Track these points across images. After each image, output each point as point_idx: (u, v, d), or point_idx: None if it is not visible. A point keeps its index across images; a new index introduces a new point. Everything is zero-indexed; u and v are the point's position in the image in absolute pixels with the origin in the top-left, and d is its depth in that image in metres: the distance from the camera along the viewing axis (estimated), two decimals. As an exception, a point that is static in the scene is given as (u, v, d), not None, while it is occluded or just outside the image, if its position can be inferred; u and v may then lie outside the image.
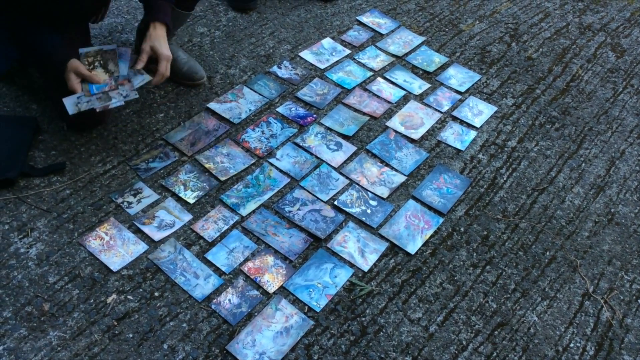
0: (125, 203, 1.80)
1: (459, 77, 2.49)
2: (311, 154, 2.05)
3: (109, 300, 1.57)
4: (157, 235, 1.73)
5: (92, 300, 1.56)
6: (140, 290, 1.60)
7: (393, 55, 2.55)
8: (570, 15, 3.01)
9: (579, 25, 2.94)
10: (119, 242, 1.70)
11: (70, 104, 1.74)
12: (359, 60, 2.50)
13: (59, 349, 1.45)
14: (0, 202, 1.75)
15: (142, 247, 1.70)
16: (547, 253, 1.86)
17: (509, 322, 1.67)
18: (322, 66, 2.43)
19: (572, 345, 1.64)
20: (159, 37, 1.81)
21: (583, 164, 2.18)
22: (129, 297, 1.59)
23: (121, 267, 1.64)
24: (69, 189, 1.82)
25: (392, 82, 2.41)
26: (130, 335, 1.51)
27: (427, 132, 2.20)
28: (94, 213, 1.76)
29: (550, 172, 2.13)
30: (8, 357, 1.42)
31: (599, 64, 2.69)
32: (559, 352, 1.62)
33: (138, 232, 1.74)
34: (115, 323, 1.53)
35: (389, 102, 2.31)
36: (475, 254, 1.83)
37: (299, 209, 1.86)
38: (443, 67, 2.53)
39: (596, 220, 1.99)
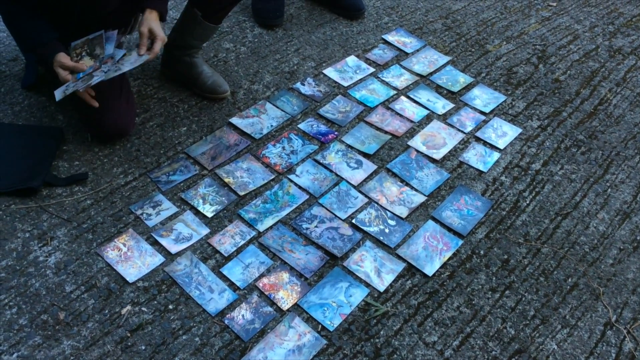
0: (145, 215, 1.81)
1: (483, 97, 2.47)
2: (331, 171, 2.04)
3: (124, 311, 1.58)
4: (174, 248, 1.74)
5: (106, 311, 1.57)
6: (155, 302, 1.61)
7: (417, 75, 2.54)
8: (600, 37, 2.97)
9: (609, 48, 2.90)
10: (136, 254, 1.71)
11: (58, 93, 1.76)
12: (383, 78, 2.49)
13: (72, 358, 1.46)
14: (23, 210, 1.77)
15: (158, 259, 1.70)
16: (569, 280, 1.82)
17: (527, 350, 1.63)
18: (345, 84, 2.43)
19: (592, 376, 1.59)
20: (155, 20, 1.87)
21: (609, 189, 2.14)
22: (143, 308, 1.59)
23: (137, 278, 1.65)
24: (90, 199, 1.84)
25: (415, 101, 2.39)
26: (143, 347, 1.51)
27: (449, 152, 2.18)
28: (113, 224, 1.78)
29: (575, 197, 2.09)
30: (21, 364, 1.43)
31: (628, 88, 2.64)
32: (578, 382, 1.57)
33: (155, 244, 1.74)
34: (129, 334, 1.53)
35: (411, 121, 2.29)
36: (494, 278, 1.79)
37: (316, 226, 1.85)
38: (468, 87, 2.51)
39: (621, 247, 1.94)
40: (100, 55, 1.84)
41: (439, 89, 2.48)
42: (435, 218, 1.94)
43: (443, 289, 1.75)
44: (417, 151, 2.16)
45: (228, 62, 2.46)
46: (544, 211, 2.02)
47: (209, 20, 2.11)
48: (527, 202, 2.04)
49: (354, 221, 1.89)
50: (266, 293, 1.66)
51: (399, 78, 2.51)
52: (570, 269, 1.85)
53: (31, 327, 1.51)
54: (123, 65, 1.84)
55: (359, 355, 1.56)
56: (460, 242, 1.88)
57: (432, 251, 1.83)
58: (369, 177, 2.05)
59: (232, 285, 1.67)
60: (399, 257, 1.81)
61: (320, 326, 1.61)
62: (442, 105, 2.40)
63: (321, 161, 2.07)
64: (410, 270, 1.78)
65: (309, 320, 1.62)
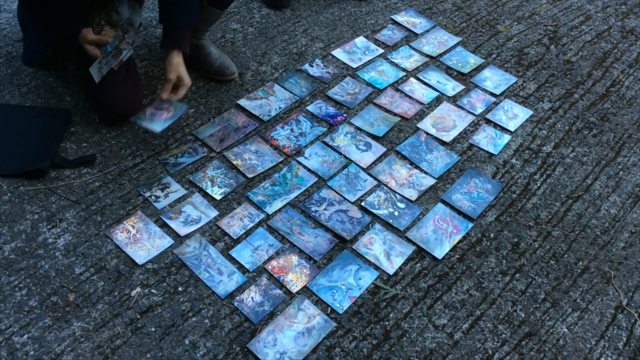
0: (153, 197, 1.81)
1: (494, 79, 2.44)
2: (340, 153, 2.03)
3: (133, 293, 1.58)
4: (183, 230, 1.73)
5: (116, 293, 1.57)
6: (165, 284, 1.61)
7: (427, 56, 2.51)
8: (613, 18, 2.92)
9: (622, 29, 2.85)
10: (145, 236, 1.70)
11: (95, 72, 1.84)
12: (392, 59, 2.46)
13: (82, 339, 1.47)
14: (31, 192, 1.77)
15: (167, 241, 1.70)
16: (580, 263, 1.81)
17: (537, 333, 1.62)
18: (354, 65, 2.40)
19: (602, 359, 1.58)
20: (181, 65, 1.88)
21: (621, 172, 2.11)
22: (152, 290, 1.59)
23: (146, 260, 1.65)
24: (98, 181, 1.83)
25: (425, 83, 2.37)
26: (153, 329, 1.51)
27: (459, 134, 2.16)
28: (121, 206, 1.78)
29: (586, 180, 2.07)
30: (32, 345, 1.44)
31: (641, 69, 2.60)
32: (588, 366, 1.57)
33: (164, 226, 1.74)
34: (139, 316, 1.53)
35: (421, 103, 2.27)
36: (504, 261, 1.78)
37: (325, 209, 1.84)
38: (478, 69, 2.48)
39: (633, 230, 1.92)
40: (118, 23, 1.86)
41: (448, 71, 2.45)
42: (445, 201, 1.92)
43: (453, 272, 1.74)
44: (427, 133, 2.14)
45: (235, 43, 2.44)
46: (555, 194, 2.00)
47: (215, 6, 2.09)
48: (538, 184, 2.02)
49: (363, 204, 1.88)
50: (275, 276, 1.66)
51: (408, 59, 2.48)
52: (581, 252, 1.84)
53: (41, 309, 1.51)
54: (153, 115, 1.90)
55: (369, 337, 1.56)
56: (470, 225, 1.86)
57: (441, 234, 1.82)
58: (378, 160, 2.03)
59: (241, 267, 1.67)
60: (409, 240, 1.80)
61: (329, 309, 1.61)
62: (452, 86, 2.37)
63: (330, 143, 2.05)
64: (420, 253, 1.77)
65: (319, 302, 1.62)
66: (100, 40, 1.81)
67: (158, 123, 1.86)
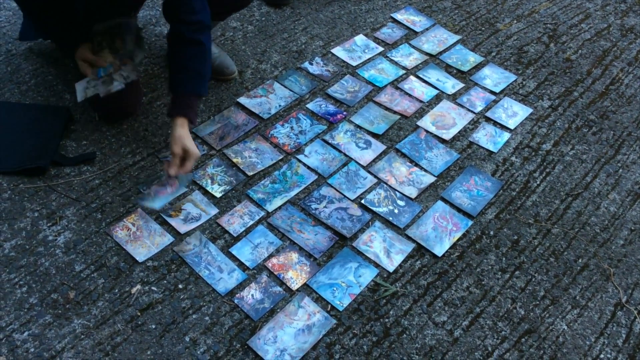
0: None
1: (494, 77, 2.44)
2: (340, 151, 2.03)
3: (133, 290, 1.58)
4: (183, 228, 1.73)
5: (116, 290, 1.57)
6: (165, 281, 1.61)
7: (427, 54, 2.51)
8: (612, 16, 2.92)
9: (621, 27, 2.85)
10: (146, 233, 1.71)
11: (80, 90, 1.79)
12: (392, 58, 2.46)
13: (82, 337, 1.47)
14: (31, 189, 1.77)
15: (168, 239, 1.70)
16: (580, 260, 1.81)
17: (537, 330, 1.62)
18: (354, 63, 2.40)
19: (602, 356, 1.58)
20: (187, 135, 1.74)
21: (620, 170, 2.11)
22: (153, 288, 1.59)
23: (146, 258, 1.65)
24: (98, 179, 1.83)
25: (424, 81, 2.37)
26: (153, 326, 1.51)
27: (458, 132, 2.16)
28: (122, 203, 1.78)
29: (586, 177, 2.07)
30: (32, 342, 1.44)
31: (640, 67, 2.61)
32: (588, 363, 1.57)
33: (164, 224, 1.74)
34: (139, 313, 1.53)
35: (420, 101, 2.27)
36: (504, 259, 1.78)
37: (325, 207, 1.84)
38: (478, 67, 2.48)
39: (632, 228, 1.92)
40: (119, 50, 1.82)
41: (448, 69, 2.45)
42: (445, 199, 1.92)
43: (452, 269, 1.74)
44: (427, 131, 2.15)
45: (235, 41, 2.44)
46: (555, 192, 2.00)
47: (214, 18, 2.07)
48: (538, 182, 2.03)
49: (363, 201, 1.88)
50: (275, 273, 1.66)
51: (408, 57, 2.48)
52: (580, 249, 1.84)
53: (41, 306, 1.52)
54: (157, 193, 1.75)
55: (369, 334, 1.56)
56: (470, 222, 1.86)
57: (441, 232, 1.82)
58: (378, 158, 2.03)
59: (241, 265, 1.67)
60: (409, 238, 1.80)
61: (329, 306, 1.61)
62: (451, 84, 2.37)
63: (330, 141, 2.05)
64: (420, 250, 1.78)
65: (319, 300, 1.62)
66: (96, 62, 1.77)
67: (160, 200, 1.71)
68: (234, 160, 1.94)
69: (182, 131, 1.72)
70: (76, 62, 1.78)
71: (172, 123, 1.75)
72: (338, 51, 2.45)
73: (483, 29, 2.72)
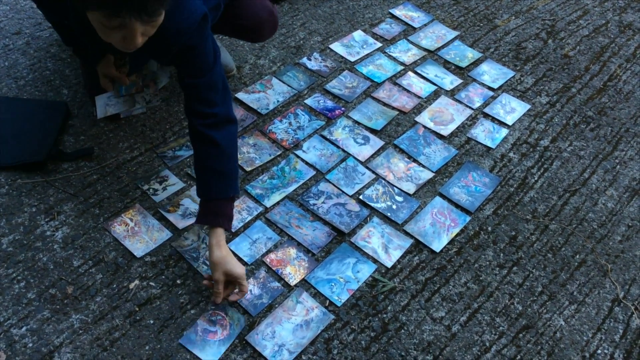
0: (151, 190, 1.81)
1: (492, 73, 2.44)
2: (338, 147, 2.03)
3: (132, 285, 1.58)
4: (181, 223, 1.73)
5: (114, 285, 1.57)
6: (163, 277, 1.61)
7: (425, 50, 2.51)
8: (610, 12, 2.92)
9: (619, 23, 2.85)
10: (144, 229, 1.70)
11: (100, 105, 1.80)
12: (390, 53, 2.46)
13: (80, 332, 1.47)
14: (29, 184, 1.77)
15: (166, 234, 1.70)
16: (577, 256, 1.81)
17: (535, 325, 1.63)
18: (352, 59, 2.40)
19: (599, 351, 1.59)
20: (227, 255, 1.49)
21: (618, 166, 2.12)
22: (151, 283, 1.59)
23: (145, 253, 1.65)
24: (96, 174, 1.83)
25: (423, 77, 2.37)
26: (151, 322, 1.51)
27: (457, 128, 2.16)
28: (119, 199, 1.77)
29: (584, 174, 2.07)
30: (31, 337, 1.44)
31: (638, 64, 2.60)
32: (585, 358, 1.57)
33: (162, 219, 1.74)
34: (137, 309, 1.53)
35: (419, 97, 2.27)
36: (502, 255, 1.79)
37: (323, 202, 1.85)
38: (476, 63, 2.48)
39: (629, 224, 1.93)
40: (142, 71, 1.81)
41: (446, 64, 2.45)
42: (443, 194, 1.93)
43: (450, 265, 1.74)
44: (425, 127, 2.15)
45: (233, 37, 2.43)
46: (552, 188, 2.01)
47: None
48: (536, 178, 2.03)
49: (361, 197, 1.88)
50: (274, 268, 1.66)
51: (406, 53, 2.48)
52: (578, 245, 1.84)
53: (40, 301, 1.51)
54: None
55: (367, 330, 1.56)
56: (468, 218, 1.87)
57: (439, 227, 1.83)
58: (376, 153, 2.03)
59: (239, 260, 1.67)
60: (407, 233, 1.80)
61: (327, 301, 1.61)
62: (450, 80, 2.37)
63: (328, 137, 2.05)
64: (418, 246, 1.78)
65: (317, 295, 1.62)
66: (119, 78, 1.76)
67: (211, 347, 1.47)
68: (232, 155, 1.94)
69: (218, 253, 1.48)
70: (86, 69, 1.76)
71: (211, 240, 1.51)
72: (336, 47, 2.45)
73: (481, 25, 2.71)
